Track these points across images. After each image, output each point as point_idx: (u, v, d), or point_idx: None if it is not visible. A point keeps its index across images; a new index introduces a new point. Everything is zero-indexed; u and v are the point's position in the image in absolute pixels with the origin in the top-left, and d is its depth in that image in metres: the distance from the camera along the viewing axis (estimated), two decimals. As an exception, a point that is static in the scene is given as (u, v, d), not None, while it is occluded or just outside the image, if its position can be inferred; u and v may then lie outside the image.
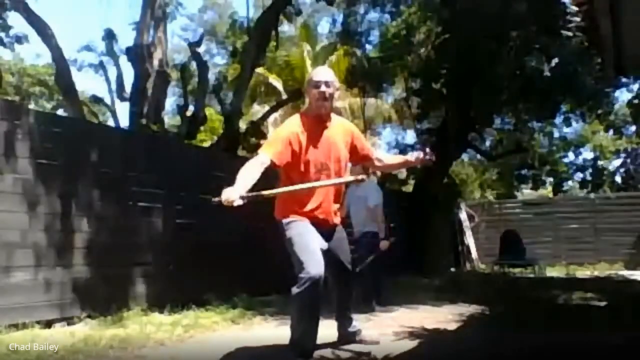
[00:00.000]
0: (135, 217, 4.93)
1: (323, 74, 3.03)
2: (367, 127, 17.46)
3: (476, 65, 8.37)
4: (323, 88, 2.91)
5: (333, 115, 3.09)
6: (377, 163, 3.31)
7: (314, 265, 2.71)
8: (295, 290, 2.70)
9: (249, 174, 2.70)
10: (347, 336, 3.32)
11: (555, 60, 8.69)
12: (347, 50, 12.76)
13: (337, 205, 3.10)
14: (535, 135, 13.28)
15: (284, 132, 2.92)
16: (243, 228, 5.93)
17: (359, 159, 3.27)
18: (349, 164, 3.27)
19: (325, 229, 2.98)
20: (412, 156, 3.24)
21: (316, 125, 2.96)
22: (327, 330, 3.22)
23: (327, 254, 2.87)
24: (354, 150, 3.12)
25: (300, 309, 2.79)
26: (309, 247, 2.80)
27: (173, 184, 5.32)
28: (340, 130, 3.06)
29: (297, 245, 2.80)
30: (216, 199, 2.57)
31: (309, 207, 2.91)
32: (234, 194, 2.55)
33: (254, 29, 8.57)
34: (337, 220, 3.11)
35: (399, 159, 3.62)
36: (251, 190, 2.62)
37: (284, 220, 2.95)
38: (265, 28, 8.22)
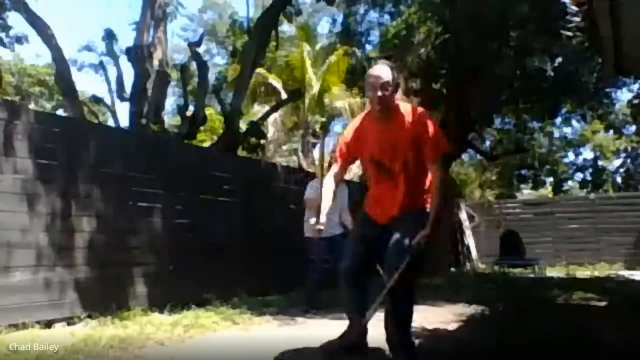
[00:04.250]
0: (135, 217, 4.93)
1: (380, 75, 2.76)
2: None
3: (476, 65, 8.37)
4: (380, 93, 2.73)
5: (401, 105, 2.83)
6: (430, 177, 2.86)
7: (345, 258, 2.93)
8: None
9: (327, 189, 3.07)
10: None
11: (555, 60, 8.70)
12: (347, 50, 12.76)
13: (401, 203, 2.80)
14: (535, 135, 13.28)
15: (343, 136, 3.08)
16: (243, 228, 5.95)
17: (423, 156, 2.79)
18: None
19: (385, 221, 2.85)
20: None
21: (377, 122, 2.81)
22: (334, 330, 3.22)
23: (382, 245, 2.79)
24: (418, 143, 2.75)
25: (340, 288, 2.99)
26: (352, 240, 3.07)
27: (173, 184, 5.32)
28: (404, 124, 2.76)
29: (349, 236, 3.19)
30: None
31: (373, 204, 2.99)
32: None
33: (254, 29, 8.56)
34: (397, 211, 2.83)
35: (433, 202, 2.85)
36: None
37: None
38: (265, 28, 8.21)
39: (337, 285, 2.98)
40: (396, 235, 2.77)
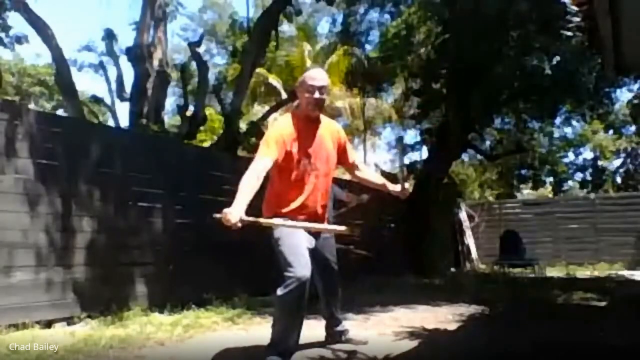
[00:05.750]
0: (135, 217, 4.93)
1: (320, 78, 2.92)
2: (367, 127, 17.49)
3: (476, 65, 8.37)
4: (317, 95, 2.87)
5: (322, 116, 3.07)
6: (355, 171, 3.25)
7: (302, 267, 2.68)
8: (280, 291, 2.68)
9: (250, 186, 2.64)
10: (333, 336, 3.33)
11: (555, 60, 8.71)
12: (347, 50, 12.77)
13: (323, 205, 3.03)
14: (535, 135, 13.29)
15: (276, 132, 2.87)
16: (243, 228, 5.94)
17: (340, 162, 3.18)
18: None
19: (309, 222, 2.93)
20: (394, 187, 3.14)
21: (307, 125, 2.94)
22: (315, 331, 3.23)
23: (313, 253, 2.85)
24: (338, 152, 3.11)
25: (284, 311, 2.77)
26: (297, 248, 2.76)
27: (173, 184, 5.32)
28: (328, 131, 3.05)
29: (285, 246, 2.77)
30: (217, 215, 2.58)
31: (294, 205, 2.89)
32: (234, 217, 2.53)
33: (254, 29, 8.56)
34: (321, 213, 3.04)
35: (380, 179, 3.31)
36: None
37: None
38: (265, 28, 8.21)
39: (281, 304, 2.72)
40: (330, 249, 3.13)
